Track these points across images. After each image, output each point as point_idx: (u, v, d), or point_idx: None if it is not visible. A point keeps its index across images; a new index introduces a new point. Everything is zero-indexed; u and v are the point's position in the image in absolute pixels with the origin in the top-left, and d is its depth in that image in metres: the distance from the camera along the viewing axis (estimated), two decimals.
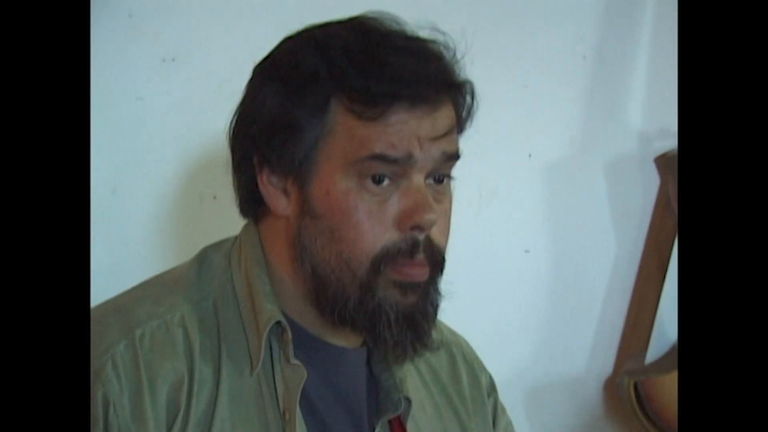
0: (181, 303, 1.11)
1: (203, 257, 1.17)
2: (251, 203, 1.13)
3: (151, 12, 1.71)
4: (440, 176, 1.08)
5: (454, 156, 1.09)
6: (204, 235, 1.24)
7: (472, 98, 1.12)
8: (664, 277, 1.89)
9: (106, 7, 1.77)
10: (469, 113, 1.13)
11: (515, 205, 1.86)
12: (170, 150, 1.70)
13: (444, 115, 1.08)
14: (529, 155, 1.83)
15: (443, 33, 1.09)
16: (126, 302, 1.12)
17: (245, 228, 1.16)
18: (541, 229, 1.89)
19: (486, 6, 1.84)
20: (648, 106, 1.91)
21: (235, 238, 1.18)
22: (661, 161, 1.88)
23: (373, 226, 1.07)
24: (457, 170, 1.12)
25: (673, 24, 1.59)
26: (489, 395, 1.28)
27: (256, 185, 1.10)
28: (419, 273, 1.07)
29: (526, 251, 1.86)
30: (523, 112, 1.82)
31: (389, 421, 1.14)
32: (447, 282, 1.11)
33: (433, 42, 1.09)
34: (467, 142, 1.13)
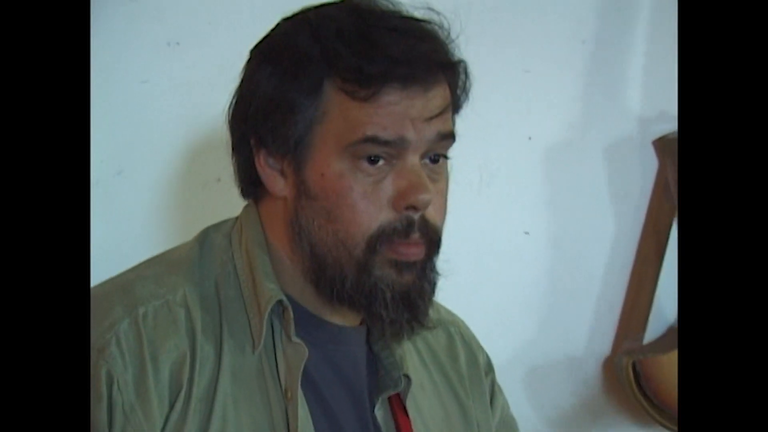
0: (183, 282, 1.12)
1: (204, 237, 1.18)
2: (250, 184, 1.14)
3: None
4: (436, 156, 1.09)
5: (449, 136, 1.09)
6: (208, 216, 1.24)
7: (466, 77, 1.13)
8: (662, 258, 1.90)
9: None
10: (464, 92, 1.13)
11: (515, 188, 1.86)
12: (175, 133, 1.71)
13: (438, 95, 1.08)
14: (529, 138, 1.84)
15: (438, 13, 1.09)
16: (129, 281, 1.13)
17: (246, 209, 1.17)
18: (540, 211, 1.89)
19: None
20: (646, 90, 1.90)
21: (236, 218, 1.18)
22: (660, 144, 1.88)
23: (368, 206, 1.08)
24: (458, 152, 1.12)
25: (672, 8, 1.56)
26: (486, 375, 1.29)
27: (255, 167, 1.12)
28: (415, 252, 1.08)
29: (526, 233, 1.87)
30: (523, 95, 1.83)
31: (389, 399, 1.15)
32: (446, 261, 1.11)
33: (427, 22, 1.09)
34: (468, 125, 1.13)
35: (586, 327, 1.93)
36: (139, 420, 1.06)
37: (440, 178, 1.11)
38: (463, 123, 1.13)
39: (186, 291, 1.11)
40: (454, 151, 1.12)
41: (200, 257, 1.16)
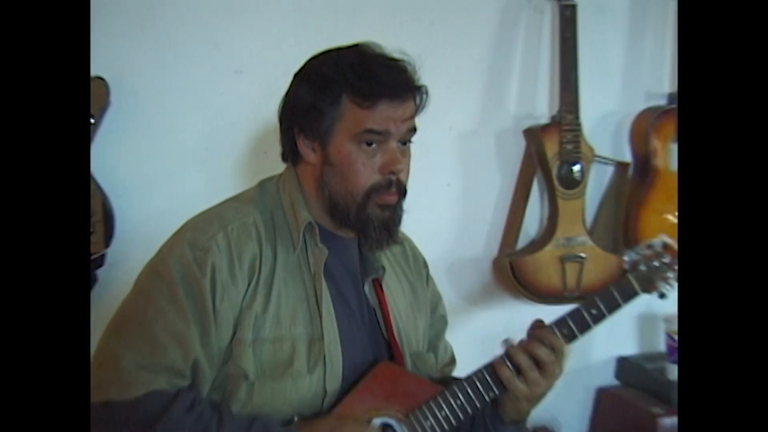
0: (252, 211, 1.31)
1: (261, 185, 1.38)
2: (291, 154, 1.34)
3: (228, 35, 1.99)
4: (405, 141, 1.30)
5: (414, 130, 1.30)
6: (261, 173, 1.45)
7: (425, 95, 1.30)
8: (528, 199, 2.24)
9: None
10: (423, 105, 1.31)
11: (442, 157, 2.19)
12: (244, 125, 2.02)
13: (409, 106, 1.27)
14: (450, 128, 2.20)
15: (408, 55, 1.28)
16: (221, 210, 1.32)
17: (287, 169, 1.36)
18: (457, 171, 2.23)
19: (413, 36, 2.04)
20: (520, 99, 2.24)
21: (279, 175, 1.38)
22: (527, 132, 2.24)
23: (365, 171, 1.27)
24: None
25: (544, 36, 2.15)
26: (424, 267, 1.53)
27: (295, 144, 1.31)
28: (392, 199, 1.28)
29: (448, 185, 2.24)
30: (447, 101, 2.11)
31: (372, 281, 1.38)
32: (405, 206, 1.33)
33: (402, 60, 1.28)
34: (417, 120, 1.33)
35: (483, 240, 2.27)
36: (230, 290, 1.24)
37: (406, 155, 1.30)
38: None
39: (254, 216, 1.30)
40: (413, 137, 1.33)
41: (260, 196, 1.34)
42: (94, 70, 1.83)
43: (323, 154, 1.27)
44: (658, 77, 2.30)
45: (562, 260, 2.18)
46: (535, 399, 1.36)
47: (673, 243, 1.40)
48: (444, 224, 2.23)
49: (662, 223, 2.19)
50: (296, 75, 1.30)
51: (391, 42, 1.30)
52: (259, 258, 1.25)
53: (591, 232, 2.24)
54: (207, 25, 1.97)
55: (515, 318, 2.09)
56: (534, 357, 1.31)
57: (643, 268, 1.39)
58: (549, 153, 2.15)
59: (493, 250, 2.28)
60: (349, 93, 1.23)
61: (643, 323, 2.41)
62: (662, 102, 2.29)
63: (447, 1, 2.13)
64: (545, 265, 2.17)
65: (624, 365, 2.37)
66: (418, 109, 1.29)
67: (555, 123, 2.17)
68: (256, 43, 2.00)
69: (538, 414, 2.03)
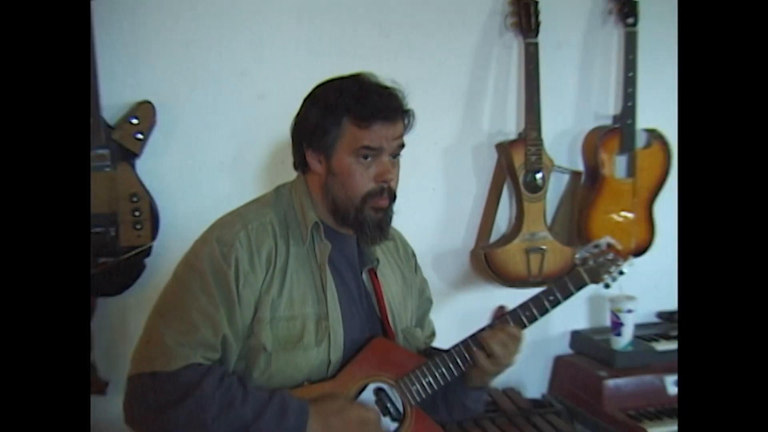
0: (269, 212, 1.32)
1: (277, 190, 1.37)
2: (301, 165, 1.34)
3: (252, 65, 1.96)
4: (395, 155, 1.30)
5: (402, 146, 1.30)
6: (278, 179, 1.45)
7: (412, 117, 1.31)
8: (499, 200, 2.23)
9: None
10: (410, 125, 1.31)
11: (429, 167, 2.19)
12: (264, 139, 2.01)
13: (399, 126, 1.28)
14: (435, 143, 2.20)
15: (398, 84, 1.29)
16: (243, 211, 1.33)
17: (298, 176, 1.36)
18: (442, 178, 2.22)
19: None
20: (492, 119, 2.24)
21: (292, 182, 1.37)
22: (498, 146, 2.23)
23: (362, 180, 1.27)
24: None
25: (512, 68, 2.12)
26: (412, 257, 1.53)
27: (304, 156, 1.31)
28: (384, 203, 1.29)
29: (434, 189, 2.22)
30: (433, 123, 2.12)
31: (369, 270, 1.38)
32: (396, 208, 1.34)
33: (394, 89, 1.28)
34: (408, 136, 1.34)
35: (463, 235, 2.26)
36: (251, 278, 1.25)
37: (397, 166, 1.31)
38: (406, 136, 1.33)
39: (271, 216, 1.31)
40: (402, 151, 1.34)
41: (276, 200, 1.34)
42: (143, 96, 1.86)
43: (327, 165, 1.27)
44: (605, 101, 2.32)
45: (527, 252, 2.18)
46: (497, 372, 1.38)
47: (616, 243, 1.43)
48: (430, 222, 2.24)
49: (608, 222, 2.21)
50: (305, 99, 1.30)
51: (387, 72, 1.31)
52: (275, 251, 1.26)
53: (550, 229, 2.24)
54: (234, 57, 1.97)
55: (489, 299, 2.17)
56: (499, 341, 1.33)
57: (591, 263, 1.43)
58: (516, 163, 2.15)
59: (471, 243, 2.28)
60: (349, 115, 1.23)
61: (592, 303, 2.44)
62: (608, 122, 2.30)
63: (434, 40, 2.14)
64: (513, 256, 2.17)
65: (577, 337, 2.40)
66: (406, 128, 1.29)
67: (521, 139, 2.17)
68: (274, 72, 2.00)
69: (508, 377, 2.22)
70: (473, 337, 1.37)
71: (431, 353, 1.40)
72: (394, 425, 1.31)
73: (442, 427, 1.40)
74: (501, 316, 1.38)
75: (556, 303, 1.38)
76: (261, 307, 1.23)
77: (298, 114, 1.30)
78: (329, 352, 1.27)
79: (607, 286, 1.43)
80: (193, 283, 1.23)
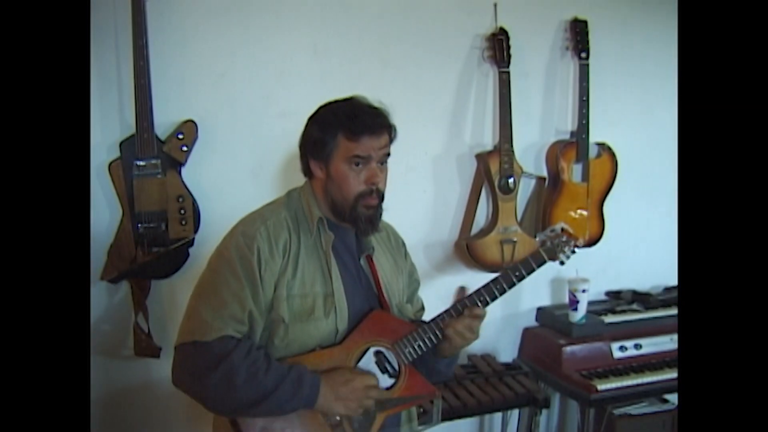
0: (283, 210, 1.30)
1: (289, 193, 1.35)
2: (307, 172, 1.31)
3: (275, 90, 1.87)
4: (382, 162, 1.27)
5: (388, 155, 1.27)
6: (291, 183, 1.41)
7: (395, 131, 1.28)
8: (478, 199, 2.19)
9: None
10: (394, 137, 1.29)
11: (420, 173, 2.15)
12: (283, 151, 1.93)
13: (384, 138, 1.25)
14: (425, 153, 2.16)
15: (384, 104, 1.26)
16: (262, 211, 1.30)
17: (306, 182, 1.33)
18: (431, 181, 2.17)
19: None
20: (473, 133, 2.18)
21: (301, 186, 1.35)
22: (478, 156, 2.18)
23: (354, 183, 1.25)
24: (394, 158, 1.30)
25: (489, 91, 2.05)
26: (403, 246, 1.47)
27: (309, 165, 1.28)
28: (374, 202, 1.26)
29: (424, 191, 2.17)
30: (424, 135, 2.12)
31: (366, 257, 1.34)
32: (386, 205, 1.30)
33: (380, 108, 1.26)
34: (398, 145, 1.31)
35: (448, 229, 2.22)
36: (270, 264, 1.23)
37: (384, 171, 1.28)
38: (395, 145, 1.30)
39: (285, 214, 1.29)
40: (393, 157, 1.29)
41: (288, 201, 1.32)
42: (188, 115, 1.82)
43: (327, 172, 1.26)
44: (564, 120, 2.29)
45: (501, 243, 2.15)
46: (464, 345, 1.35)
47: (568, 227, 1.40)
48: (421, 218, 2.20)
49: (567, 218, 2.19)
50: (309, 118, 1.28)
51: (383, 94, 1.29)
52: (289, 242, 1.25)
53: (521, 224, 2.22)
54: (260, 84, 1.93)
55: (469, 281, 2.15)
56: (466, 326, 1.31)
57: (548, 244, 1.39)
58: (492, 170, 2.13)
59: (455, 235, 2.25)
60: (342, 131, 1.22)
61: (554, 284, 2.40)
62: (567, 136, 2.27)
63: (425, 70, 2.10)
64: (490, 246, 2.15)
65: (541, 312, 2.37)
66: (391, 140, 1.26)
67: (496, 150, 2.14)
68: (293, 96, 1.95)
69: (484, 344, 2.21)
70: (448, 313, 1.34)
71: (420, 323, 1.37)
72: (391, 381, 1.30)
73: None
74: (477, 291, 1.34)
75: (521, 278, 1.34)
76: (279, 286, 1.21)
77: (304, 130, 1.28)
78: (336, 323, 1.24)
79: (561, 263, 1.40)
80: (223, 268, 1.21)
